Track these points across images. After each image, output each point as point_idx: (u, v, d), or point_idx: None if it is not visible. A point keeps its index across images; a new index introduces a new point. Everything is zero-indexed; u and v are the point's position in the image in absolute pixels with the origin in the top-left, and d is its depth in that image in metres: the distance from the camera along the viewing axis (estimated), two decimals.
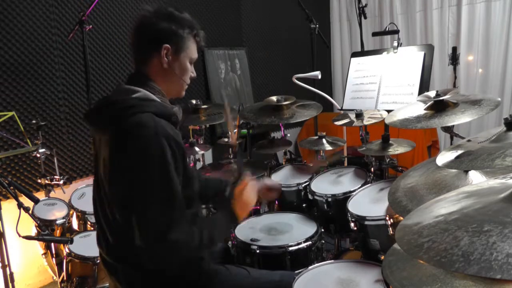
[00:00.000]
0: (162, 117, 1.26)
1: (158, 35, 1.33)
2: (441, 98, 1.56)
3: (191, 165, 2.80)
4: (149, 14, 1.34)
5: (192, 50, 1.39)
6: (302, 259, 1.83)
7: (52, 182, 2.58)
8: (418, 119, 1.56)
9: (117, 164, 1.23)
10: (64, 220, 2.34)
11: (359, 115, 2.26)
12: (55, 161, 2.73)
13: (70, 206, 2.43)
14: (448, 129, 1.57)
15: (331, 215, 2.09)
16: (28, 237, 1.82)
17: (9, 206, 2.19)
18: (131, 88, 1.32)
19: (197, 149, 2.64)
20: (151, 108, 1.26)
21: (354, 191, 2.02)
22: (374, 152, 2.09)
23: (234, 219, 1.42)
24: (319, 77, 2.75)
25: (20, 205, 1.84)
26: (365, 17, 3.28)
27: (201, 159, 2.84)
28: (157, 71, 1.35)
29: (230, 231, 1.43)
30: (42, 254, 2.36)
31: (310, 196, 2.19)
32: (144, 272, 1.30)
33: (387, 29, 3.29)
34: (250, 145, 3.02)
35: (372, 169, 2.22)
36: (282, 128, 3.00)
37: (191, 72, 1.42)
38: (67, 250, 2.11)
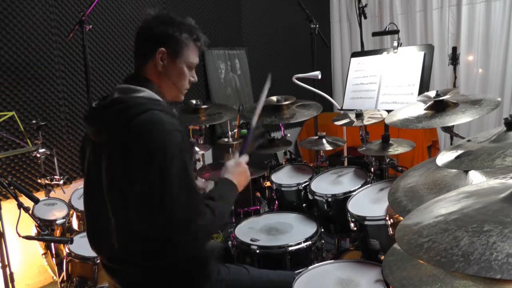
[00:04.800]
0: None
1: (154, 38, 1.34)
2: (441, 98, 1.56)
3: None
4: (149, 18, 1.36)
5: (190, 55, 1.39)
6: (302, 259, 1.83)
7: (52, 182, 2.58)
8: (419, 119, 1.56)
9: (134, 162, 1.19)
10: (64, 220, 2.34)
11: (359, 115, 2.26)
12: (55, 161, 2.73)
13: (70, 206, 2.43)
14: (448, 129, 1.57)
15: (331, 215, 2.09)
16: (28, 237, 1.82)
17: (9, 206, 2.19)
18: (135, 87, 1.32)
19: (197, 149, 2.64)
20: (159, 107, 1.27)
21: (354, 191, 2.03)
22: (374, 152, 2.09)
23: (234, 188, 1.42)
24: (319, 77, 2.75)
25: (20, 205, 1.84)
26: (365, 17, 3.28)
27: (201, 159, 2.84)
28: (154, 73, 1.36)
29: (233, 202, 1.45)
30: (42, 254, 2.36)
31: (310, 196, 2.19)
32: (145, 272, 1.30)
33: (387, 29, 3.29)
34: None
35: (372, 169, 2.22)
36: (282, 128, 3.00)
37: (191, 76, 1.43)
38: (67, 250, 2.11)
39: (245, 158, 1.54)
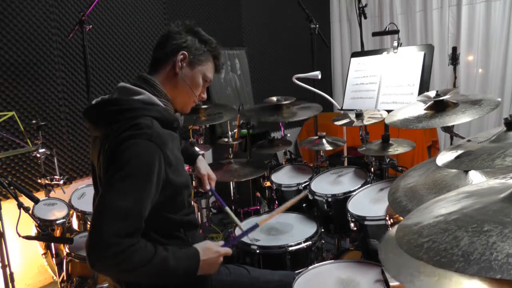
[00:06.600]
0: (163, 122, 1.27)
1: (179, 42, 1.37)
2: (441, 98, 1.56)
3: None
4: (177, 25, 1.42)
5: (207, 68, 1.43)
6: (302, 259, 1.83)
7: (52, 182, 2.58)
8: (419, 119, 1.56)
9: (109, 166, 1.19)
10: (64, 220, 2.34)
11: (359, 115, 2.27)
12: (55, 161, 2.72)
13: (70, 206, 2.43)
14: (448, 129, 1.57)
15: (331, 215, 2.09)
16: (28, 237, 1.82)
17: (9, 206, 2.19)
18: (136, 89, 1.32)
19: (197, 149, 2.64)
20: (153, 113, 1.25)
21: (354, 191, 2.03)
22: (374, 152, 2.09)
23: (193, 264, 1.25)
24: (319, 77, 2.75)
25: (20, 205, 1.84)
26: (365, 17, 3.28)
27: None
28: (168, 76, 1.37)
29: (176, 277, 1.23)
30: (42, 254, 2.36)
31: (310, 196, 2.19)
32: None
33: (387, 29, 3.29)
34: (250, 145, 3.02)
35: (372, 169, 2.22)
36: (282, 128, 3.00)
37: (202, 92, 1.45)
38: (67, 250, 2.11)
39: (226, 251, 1.37)
